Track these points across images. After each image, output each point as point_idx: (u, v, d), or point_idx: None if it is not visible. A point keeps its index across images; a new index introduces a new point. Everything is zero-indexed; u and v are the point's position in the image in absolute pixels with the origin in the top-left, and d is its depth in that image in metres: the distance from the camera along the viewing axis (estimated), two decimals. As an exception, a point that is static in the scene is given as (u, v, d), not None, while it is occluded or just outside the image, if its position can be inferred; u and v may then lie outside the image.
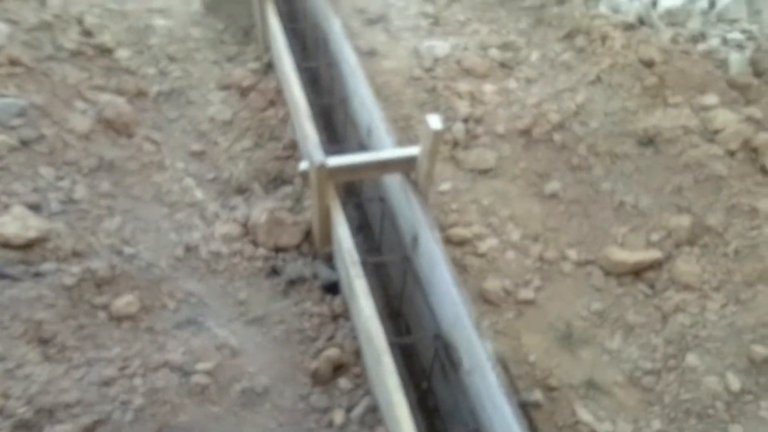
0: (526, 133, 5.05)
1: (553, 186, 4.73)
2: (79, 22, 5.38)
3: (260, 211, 4.16)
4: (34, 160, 3.79)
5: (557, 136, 4.96)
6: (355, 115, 4.94)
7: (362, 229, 5.04)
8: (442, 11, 6.43)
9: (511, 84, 5.54)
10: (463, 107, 5.22)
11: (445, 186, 4.80)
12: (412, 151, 3.88)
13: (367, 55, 5.94)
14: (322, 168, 3.66)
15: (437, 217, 4.59)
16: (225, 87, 5.36)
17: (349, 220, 3.92)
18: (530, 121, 5.07)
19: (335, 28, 5.31)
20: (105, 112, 4.49)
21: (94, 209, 3.75)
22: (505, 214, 4.59)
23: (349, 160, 3.84)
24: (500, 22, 6.21)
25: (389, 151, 3.97)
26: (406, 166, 3.97)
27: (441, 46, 5.93)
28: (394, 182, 4.24)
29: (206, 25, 6.14)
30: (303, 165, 3.81)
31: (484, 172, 4.89)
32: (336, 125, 5.81)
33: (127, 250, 3.60)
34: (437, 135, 3.68)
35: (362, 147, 4.75)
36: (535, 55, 5.77)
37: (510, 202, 4.68)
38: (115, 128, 4.52)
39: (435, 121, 3.65)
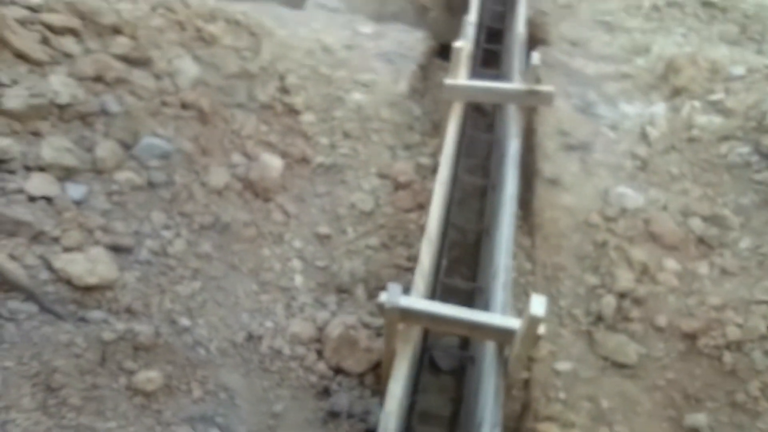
0: (691, 337, 4.02)
1: (698, 419, 3.66)
2: (281, 78, 5.53)
3: (338, 322, 3.78)
4: (152, 204, 3.85)
5: (728, 358, 3.85)
6: (493, 250, 4.34)
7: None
8: (655, 157, 5.51)
9: (702, 269, 4.49)
10: (626, 279, 4.33)
11: (563, 365, 3.98)
12: (513, 323, 3.22)
13: (549, 183, 5.30)
14: (392, 308, 3.17)
15: (537, 400, 3.80)
16: (383, 176, 5.11)
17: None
18: (702, 325, 4.03)
19: (510, 150, 4.78)
20: (251, 173, 4.48)
21: (180, 268, 3.69)
22: (622, 431, 3.63)
23: (430, 306, 3.30)
24: (719, 189, 5.13)
25: (484, 314, 3.34)
26: (501, 336, 3.31)
27: (634, 197, 5.05)
28: (488, 349, 3.58)
29: (402, 108, 5.98)
30: (382, 297, 3.35)
31: (620, 367, 3.98)
32: (480, 255, 5.24)
33: (183, 321, 3.46)
34: (534, 322, 2.99)
35: (485, 290, 4.15)
36: (746, 242, 4.63)
37: (635, 417, 3.72)
38: (254, 190, 4.48)
39: (538, 305, 2.97)
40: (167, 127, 4.22)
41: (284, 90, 5.49)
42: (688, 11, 7.73)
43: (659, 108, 6.11)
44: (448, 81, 5.04)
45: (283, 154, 5.01)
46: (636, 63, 6.93)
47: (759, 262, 4.47)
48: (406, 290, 3.67)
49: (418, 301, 3.31)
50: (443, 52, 6.74)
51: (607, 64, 6.94)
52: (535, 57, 4.92)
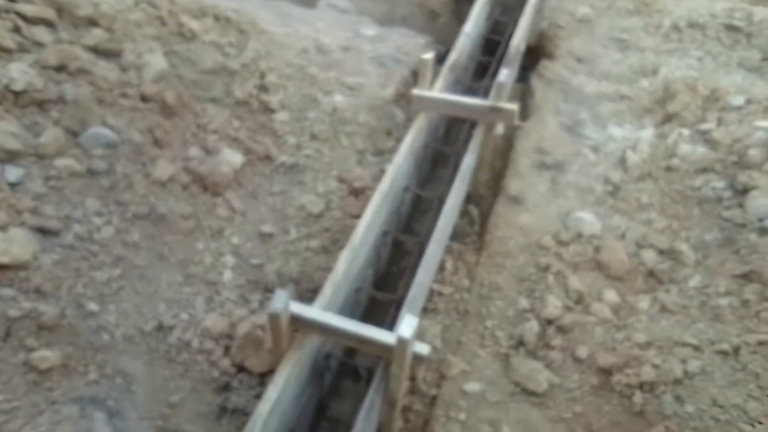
0: (606, 372, 3.91)
1: (593, 456, 3.57)
2: (262, 76, 5.65)
3: (248, 321, 3.87)
4: (88, 191, 4.04)
5: (639, 398, 3.73)
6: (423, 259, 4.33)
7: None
8: (628, 183, 5.33)
9: (642, 303, 4.34)
10: (555, 306, 4.24)
11: (472, 386, 3.95)
12: (389, 339, 3.23)
13: (511, 200, 5.22)
14: (275, 314, 3.22)
15: (437, 418, 3.79)
16: (342, 180, 5.15)
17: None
18: (620, 361, 3.90)
19: (463, 165, 4.73)
20: (203, 167, 4.62)
21: (103, 254, 3.86)
22: (514, 458, 3.59)
23: (320, 316, 3.34)
24: (684, 223, 4.92)
25: (367, 328, 3.35)
26: (384, 352, 3.32)
27: (592, 223, 4.92)
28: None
29: (383, 113, 6.00)
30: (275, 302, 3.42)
31: (529, 394, 3.91)
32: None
33: (91, 306, 3.62)
34: (401, 342, 2.99)
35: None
36: (696, 281, 4.44)
37: (532, 446, 3.65)
38: (204, 184, 4.62)
39: (407, 326, 2.98)
40: (120, 118, 4.40)
41: (263, 88, 5.61)
42: (710, 34, 7.38)
43: (646, 133, 5.89)
44: (415, 91, 5.03)
45: (247, 151, 5.13)
46: (639, 84, 6.69)
47: (702, 302, 4.28)
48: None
49: (307, 310, 3.35)
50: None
51: (609, 84, 6.73)
52: (504, 74, 4.84)
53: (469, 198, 5.60)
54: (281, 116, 5.53)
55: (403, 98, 6.43)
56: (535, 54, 7.75)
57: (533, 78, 6.82)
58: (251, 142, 5.20)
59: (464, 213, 5.52)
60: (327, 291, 3.66)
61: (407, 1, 7.47)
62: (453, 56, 5.82)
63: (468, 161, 4.69)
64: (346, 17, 7.41)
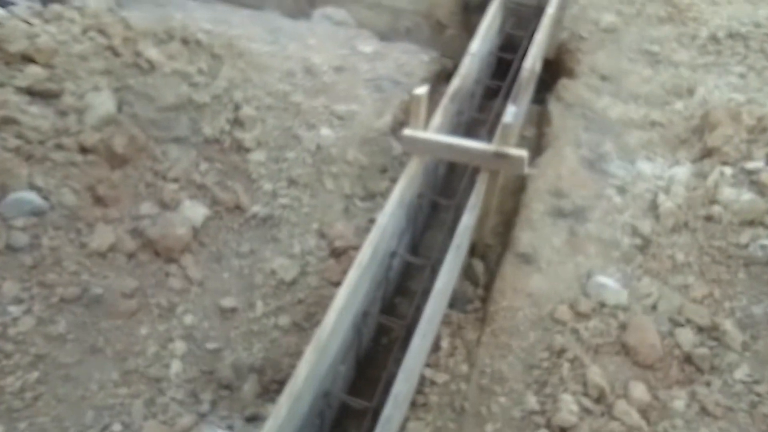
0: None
1: None
2: (236, 108, 4.88)
3: (193, 437, 3.14)
4: (6, 272, 3.32)
5: None
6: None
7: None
8: (661, 236, 4.47)
9: (677, 402, 3.51)
10: (570, 411, 3.43)
11: None
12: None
13: (520, 259, 4.39)
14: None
15: None
16: (323, 235, 4.38)
17: None
18: (651, 489, 3.09)
19: (460, 226, 3.92)
20: (153, 229, 3.88)
21: (18, 355, 3.15)
22: None
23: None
24: (728, 290, 4.06)
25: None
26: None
27: (616, 291, 4.08)
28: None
29: (377, 147, 5.20)
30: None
31: None
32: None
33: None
34: None
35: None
36: (743, 371, 3.60)
37: None
38: (155, 250, 3.88)
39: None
40: (52, 177, 3.67)
41: (237, 122, 4.85)
42: (753, 46, 6.42)
43: (682, 171, 5.01)
44: (407, 131, 4.22)
45: (213, 201, 4.38)
46: (673, 107, 5.78)
47: (751, 404, 3.44)
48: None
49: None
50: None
51: (637, 107, 5.83)
52: (510, 113, 4.00)
53: (474, 250, 4.80)
54: (257, 156, 4.76)
55: (401, 127, 5.61)
56: (553, 68, 6.86)
57: (551, 101, 5.94)
58: (219, 190, 4.45)
59: (467, 269, 4.72)
60: (282, 408, 2.91)
61: (412, 11, 6.63)
62: (455, 82, 4.98)
63: (466, 221, 3.88)
64: (343, 31, 6.59)
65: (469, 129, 5.90)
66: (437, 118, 4.61)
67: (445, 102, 4.80)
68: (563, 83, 6.10)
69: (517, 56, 5.72)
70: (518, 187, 5.13)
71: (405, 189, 4.10)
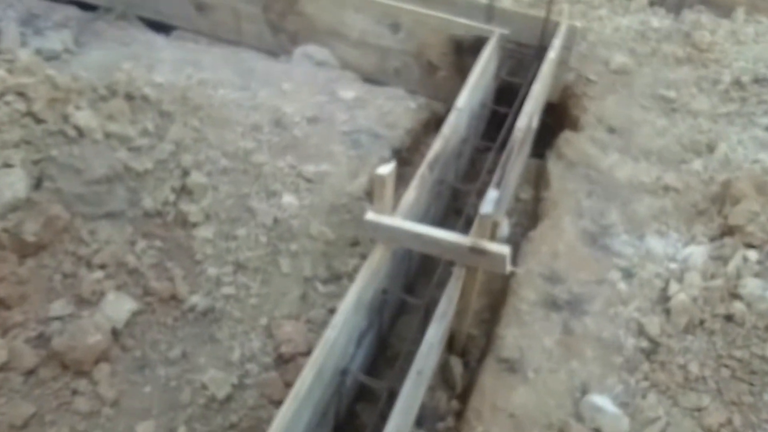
0: None
1: None
2: (184, 174, 4.26)
3: None
4: None
5: None
6: None
7: None
8: (672, 338, 3.76)
9: None
10: None
11: None
12: None
13: (503, 365, 3.71)
14: None
15: None
16: (270, 335, 3.73)
17: None
18: None
19: (426, 340, 3.24)
20: (61, 338, 3.26)
21: None
22: None
23: None
24: (752, 417, 3.34)
25: None
26: None
27: (617, 418, 3.38)
28: None
29: (350, 216, 4.54)
30: None
31: None
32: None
33: None
34: None
35: None
36: None
37: None
38: (62, 362, 3.26)
39: None
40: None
41: (184, 191, 4.23)
42: (783, 93, 5.66)
43: (699, 251, 4.28)
44: (370, 215, 3.56)
45: (146, 291, 3.76)
46: (690, 167, 5.05)
47: None
48: None
49: None
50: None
51: (649, 165, 5.11)
52: (490, 198, 3.32)
53: (452, 343, 4.12)
54: (204, 232, 4.13)
55: (379, 189, 4.95)
56: (557, 113, 6.16)
57: (551, 158, 5.23)
58: (155, 276, 3.83)
59: (444, 368, 4.04)
60: None
61: (400, 50, 5.96)
62: (436, 146, 4.31)
63: (432, 337, 3.19)
64: (324, 73, 5.95)
65: (454, 198, 5.23)
66: (411, 192, 3.94)
67: (422, 170, 4.12)
68: (566, 137, 5.39)
69: (512, 110, 5.02)
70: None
71: (364, 287, 3.43)
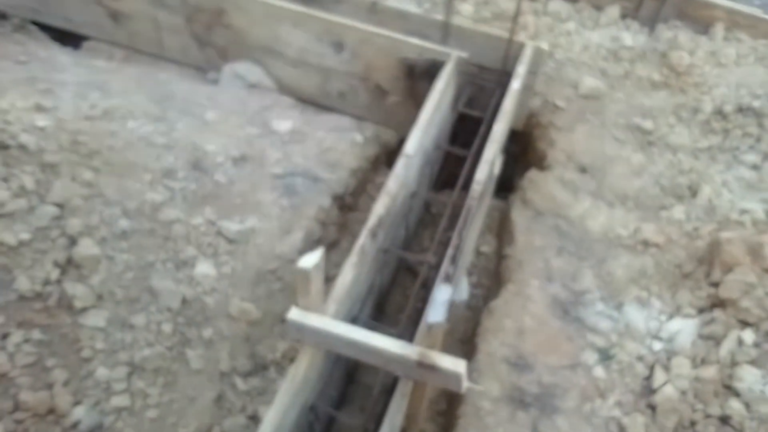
0: None
1: None
2: (71, 243, 3.44)
3: None
4: None
5: None
6: None
7: None
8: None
9: None
10: None
11: None
12: None
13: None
14: None
15: None
16: (171, 462, 2.98)
17: None
18: None
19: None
20: None
21: None
22: None
23: None
24: None
25: None
26: None
27: None
28: None
29: (280, 285, 3.81)
30: None
31: None
32: None
33: None
34: None
35: None
36: None
37: None
38: None
39: None
40: None
41: (72, 265, 3.42)
42: (769, 125, 5.11)
43: (686, 327, 3.69)
44: (293, 313, 2.82)
45: (16, 406, 2.96)
46: (671, 215, 4.46)
47: None
48: None
49: None
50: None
51: (625, 213, 4.50)
52: (440, 301, 2.62)
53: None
54: (94, 319, 3.34)
55: (318, 246, 4.21)
56: (522, 143, 5.51)
57: (515, 204, 4.57)
58: (28, 382, 3.03)
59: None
60: None
61: (345, 72, 5.20)
62: (380, 206, 3.59)
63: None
64: (257, 97, 5.16)
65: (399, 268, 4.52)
66: (347, 272, 3.22)
67: (362, 240, 3.40)
68: (532, 177, 4.73)
69: (471, 151, 4.33)
70: (466, 351, 3.77)
71: (286, 407, 2.71)
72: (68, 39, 5.96)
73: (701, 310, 3.77)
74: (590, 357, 3.61)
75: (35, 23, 5.91)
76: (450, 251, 3.34)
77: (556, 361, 3.56)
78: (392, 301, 4.42)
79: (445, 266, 3.21)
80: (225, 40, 5.46)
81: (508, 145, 5.08)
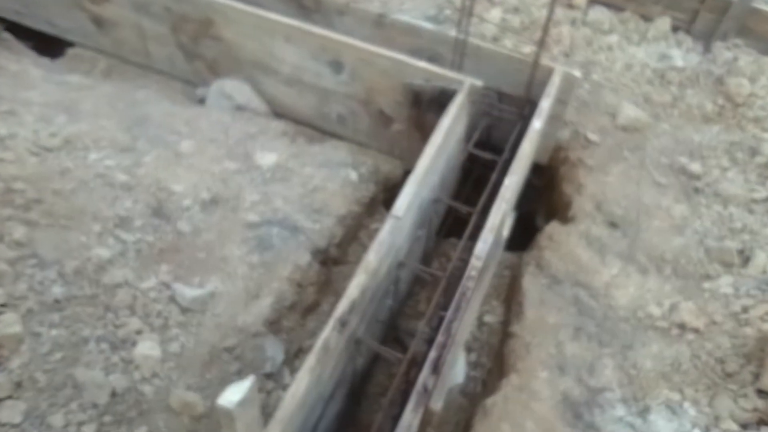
0: None
1: None
2: (-12, 320, 2.92)
3: None
4: None
5: None
6: None
7: None
8: None
9: None
10: None
11: None
12: None
13: None
14: None
15: None
16: None
17: None
18: None
19: None
20: None
21: None
22: None
23: None
24: None
25: None
26: None
27: None
28: None
29: (239, 366, 3.23)
30: None
31: None
32: None
33: None
34: None
35: None
36: None
37: None
38: None
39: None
40: None
41: (-13, 347, 2.90)
42: (844, 174, 4.24)
43: (726, 451, 2.96)
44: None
45: None
46: (716, 289, 3.71)
47: None
48: None
49: None
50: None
51: (661, 283, 3.77)
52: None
53: None
54: (8, 414, 2.83)
55: (292, 314, 3.63)
56: (546, 179, 4.78)
57: (528, 269, 3.86)
58: None
59: None
60: None
61: (345, 94, 4.54)
62: (352, 291, 2.95)
63: None
64: (242, 122, 4.55)
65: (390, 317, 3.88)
66: (298, 385, 2.61)
67: (325, 335, 2.77)
68: (551, 234, 4.01)
69: (477, 209, 3.64)
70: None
71: None
72: (55, 46, 5.46)
73: (745, 427, 3.04)
74: (603, 482, 2.94)
75: (18, 27, 5.43)
76: (433, 354, 2.70)
77: (559, 487, 2.90)
78: (372, 389, 3.81)
79: (423, 377, 2.58)
80: (214, 52, 4.86)
81: (530, 178, 4.39)
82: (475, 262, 3.09)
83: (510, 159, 3.78)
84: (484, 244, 3.16)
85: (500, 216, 3.32)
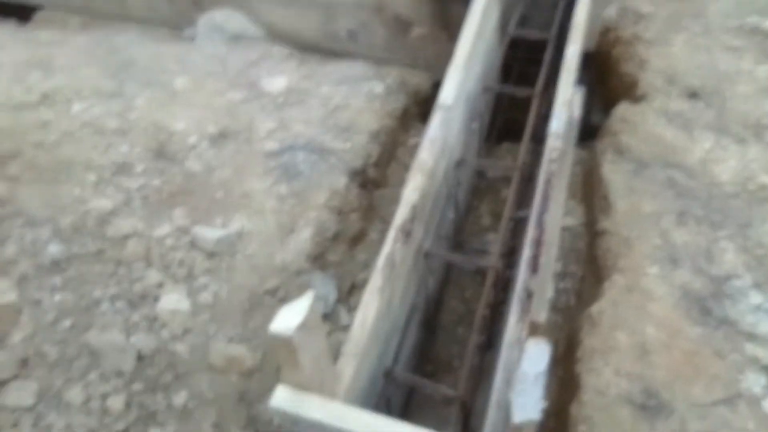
0: None
1: None
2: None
3: None
4: None
5: None
6: None
7: None
8: None
9: None
10: None
11: None
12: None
13: None
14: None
15: None
16: None
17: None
18: None
19: None
20: None
21: None
22: None
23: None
24: None
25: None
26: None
27: None
28: None
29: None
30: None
31: None
32: None
33: None
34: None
35: None
36: None
37: None
38: None
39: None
40: None
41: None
42: None
43: None
44: (278, 398, 1.70)
45: None
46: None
47: None
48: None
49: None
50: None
51: (766, 151, 3.16)
52: (524, 400, 1.45)
53: None
54: (16, 397, 2.29)
55: (337, 245, 3.07)
56: (598, 68, 4.16)
57: (605, 157, 3.26)
58: None
59: None
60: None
61: (353, 4, 3.94)
62: (410, 194, 2.37)
63: None
64: (240, 52, 3.96)
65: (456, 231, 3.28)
66: (367, 308, 2.05)
67: (388, 249, 2.20)
68: (623, 115, 3.41)
69: (536, 91, 3.03)
70: (563, 354, 2.59)
71: None
72: (17, 12, 4.88)
73: None
74: (755, 381, 2.37)
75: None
76: (527, 252, 2.13)
77: (703, 394, 2.33)
78: (445, 318, 3.24)
79: (522, 280, 2.02)
80: (197, -17, 4.26)
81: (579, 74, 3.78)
82: (554, 142, 2.50)
83: (561, 38, 3.19)
84: (559, 120, 2.58)
85: (569, 87, 2.72)
